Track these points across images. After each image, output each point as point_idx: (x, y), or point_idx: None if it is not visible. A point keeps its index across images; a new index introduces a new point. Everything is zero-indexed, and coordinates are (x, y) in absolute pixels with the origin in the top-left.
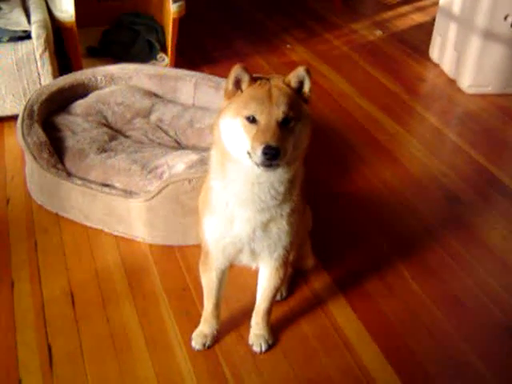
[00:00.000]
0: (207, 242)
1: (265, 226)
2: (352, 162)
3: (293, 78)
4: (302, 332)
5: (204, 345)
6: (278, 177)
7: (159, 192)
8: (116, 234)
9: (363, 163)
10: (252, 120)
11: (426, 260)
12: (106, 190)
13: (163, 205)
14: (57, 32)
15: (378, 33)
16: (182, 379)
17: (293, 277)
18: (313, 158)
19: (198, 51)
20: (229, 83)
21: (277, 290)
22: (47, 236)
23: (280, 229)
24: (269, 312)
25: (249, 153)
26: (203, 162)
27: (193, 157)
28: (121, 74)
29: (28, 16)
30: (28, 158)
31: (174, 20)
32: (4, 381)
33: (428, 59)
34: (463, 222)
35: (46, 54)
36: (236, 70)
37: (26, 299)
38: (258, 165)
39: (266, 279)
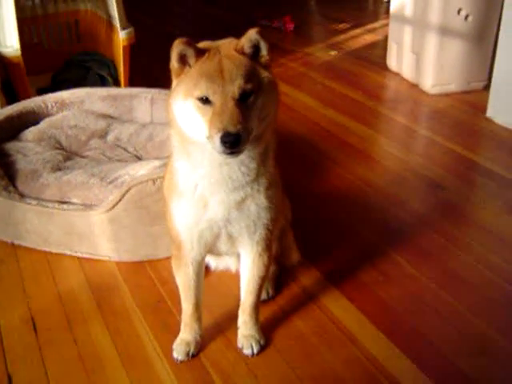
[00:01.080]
0: (178, 231)
1: (240, 205)
2: (325, 165)
3: (246, 42)
4: (297, 329)
5: (187, 354)
6: (247, 154)
7: (121, 198)
8: (79, 255)
9: (337, 165)
10: (205, 101)
11: (420, 244)
12: (64, 206)
13: (127, 212)
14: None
15: (333, 53)
16: None
17: (279, 275)
18: (285, 164)
19: (148, 78)
20: (173, 60)
21: (262, 280)
22: (3, 265)
23: (258, 205)
24: (256, 308)
25: (208, 137)
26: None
27: (156, 163)
28: (72, 99)
29: None
30: None
31: (125, 48)
32: None
33: (386, 69)
34: (452, 207)
35: None
36: (178, 46)
37: None
38: (219, 152)
39: (249, 268)
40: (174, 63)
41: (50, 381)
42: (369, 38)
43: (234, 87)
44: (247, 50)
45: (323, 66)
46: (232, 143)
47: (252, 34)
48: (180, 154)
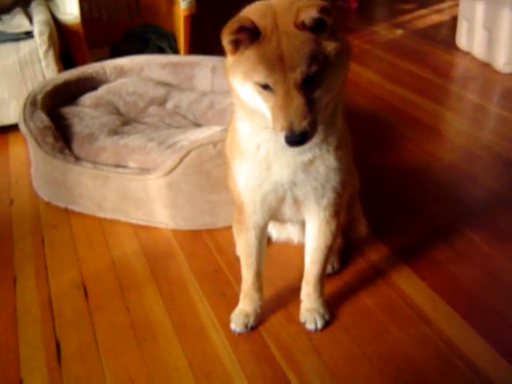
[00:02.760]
0: (241, 194)
1: (308, 167)
2: (394, 139)
3: (306, 19)
4: (364, 305)
5: (246, 326)
6: None
7: (180, 161)
8: (134, 222)
9: (406, 140)
10: (266, 86)
11: (496, 223)
12: (120, 170)
13: (186, 177)
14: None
15: (399, 31)
16: (222, 365)
17: (344, 248)
18: (352, 138)
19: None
20: (225, 43)
21: (329, 249)
22: (56, 231)
23: (328, 166)
24: (321, 280)
25: (271, 128)
26: None
27: (216, 128)
28: (131, 66)
29: (31, 20)
30: (31, 146)
31: (186, 18)
32: (2, 382)
33: (456, 48)
34: None
35: (51, 52)
36: (228, 35)
37: (29, 294)
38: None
39: (315, 236)
40: (226, 46)
41: (99, 348)
42: (436, 18)
43: (297, 74)
44: (309, 23)
45: (389, 44)
46: (298, 142)
47: (312, 12)
48: (242, 115)
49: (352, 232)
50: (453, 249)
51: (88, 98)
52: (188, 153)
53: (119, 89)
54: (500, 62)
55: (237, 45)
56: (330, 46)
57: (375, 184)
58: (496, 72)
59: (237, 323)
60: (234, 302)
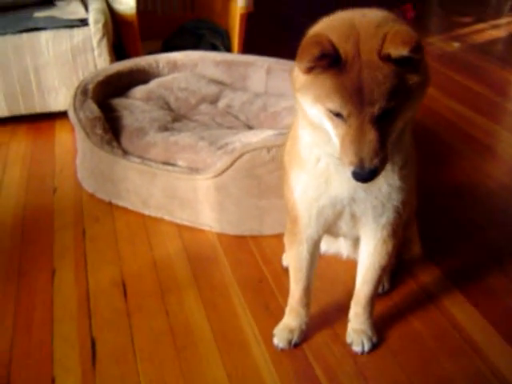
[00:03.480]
0: (296, 205)
1: (370, 184)
2: (449, 156)
3: (393, 51)
4: (414, 330)
5: (290, 342)
6: None
7: (231, 164)
8: (178, 221)
9: (461, 158)
10: (338, 114)
11: None
12: (169, 167)
13: (236, 181)
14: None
15: (456, 45)
16: (262, 381)
17: (395, 269)
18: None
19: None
20: (303, 63)
21: (383, 270)
22: (98, 224)
23: (391, 185)
24: (372, 300)
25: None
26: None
27: (270, 132)
28: (185, 61)
29: (86, 8)
30: (79, 135)
31: (242, 16)
32: (34, 379)
33: None
34: None
35: (104, 41)
36: (310, 60)
37: (67, 289)
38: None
39: (370, 255)
40: (304, 65)
41: (135, 351)
42: (494, 34)
43: (374, 109)
44: (394, 54)
45: (445, 57)
46: (366, 180)
47: (402, 50)
48: (304, 125)
49: (405, 252)
50: (509, 278)
51: (139, 91)
52: (240, 156)
53: (171, 84)
54: None
55: (314, 63)
56: (413, 80)
57: (428, 203)
58: None
59: (280, 338)
60: (277, 315)
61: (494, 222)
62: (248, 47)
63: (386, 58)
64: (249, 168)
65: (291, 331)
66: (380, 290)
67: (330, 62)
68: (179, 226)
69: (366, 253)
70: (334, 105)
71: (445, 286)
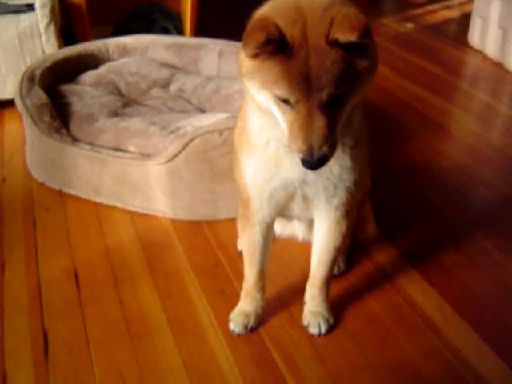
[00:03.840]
0: (247, 188)
1: None
2: (402, 136)
3: (340, 36)
4: (370, 311)
5: (246, 326)
6: None
7: (183, 148)
8: (131, 209)
9: (415, 137)
10: (286, 101)
11: (509, 230)
12: (119, 153)
13: (188, 165)
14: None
15: (410, 25)
16: (219, 368)
17: (351, 248)
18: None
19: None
20: (248, 49)
21: (337, 251)
22: (49, 214)
23: (342, 166)
24: (327, 282)
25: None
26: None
27: (222, 115)
28: (135, 45)
29: None
30: (27, 123)
31: None
32: None
33: (467, 46)
34: None
35: (52, 27)
36: (255, 46)
37: (18, 281)
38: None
39: (324, 236)
40: (250, 51)
41: (89, 342)
42: (446, 14)
43: (323, 95)
44: (343, 39)
45: (399, 38)
46: (315, 167)
47: (350, 36)
48: (253, 106)
49: (360, 232)
50: (463, 255)
51: (88, 77)
52: (192, 140)
53: (121, 68)
54: None
55: (259, 50)
56: (361, 65)
57: (382, 182)
58: (509, 72)
59: (236, 323)
60: (233, 300)
61: (448, 200)
62: (200, 30)
63: (334, 43)
64: (201, 152)
65: (247, 316)
66: (336, 271)
67: (276, 47)
68: (132, 213)
69: (320, 234)
70: (281, 91)
71: (400, 265)
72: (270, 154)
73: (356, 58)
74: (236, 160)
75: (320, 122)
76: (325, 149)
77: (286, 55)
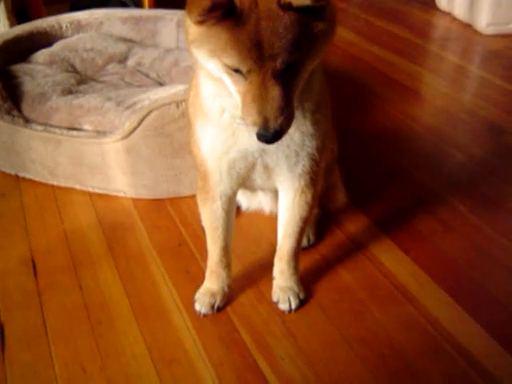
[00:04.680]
0: (205, 160)
1: None
2: (372, 101)
3: (295, 2)
4: (343, 283)
5: (212, 306)
6: None
7: (139, 123)
8: (90, 190)
9: (384, 102)
10: (236, 70)
11: (484, 192)
12: (73, 133)
13: (146, 141)
14: None
15: None
16: (185, 352)
17: (321, 219)
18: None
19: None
20: (193, 15)
21: (304, 222)
22: (4, 200)
23: (303, 132)
24: (295, 255)
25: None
26: None
27: (181, 87)
28: (90, 20)
29: None
30: None
31: None
32: None
33: (435, 8)
34: None
35: (2, 6)
36: (200, 13)
37: None
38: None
39: (289, 207)
40: (192, 18)
41: (48, 332)
42: None
43: (276, 63)
44: (296, 5)
45: (365, 3)
46: (271, 141)
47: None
48: (204, 74)
49: (329, 201)
50: (437, 220)
51: (41, 55)
52: (148, 113)
53: (76, 45)
54: (482, 23)
55: (206, 14)
56: (317, 28)
57: (352, 149)
58: (477, 33)
59: (202, 304)
60: (199, 279)
61: (419, 164)
62: (160, 2)
63: (287, 7)
64: (158, 126)
65: (213, 295)
66: (305, 243)
67: (223, 12)
68: (91, 195)
69: (285, 205)
70: (231, 60)
71: (373, 234)
72: (225, 124)
73: (311, 22)
74: (191, 130)
75: (275, 92)
76: (281, 120)
77: (234, 21)
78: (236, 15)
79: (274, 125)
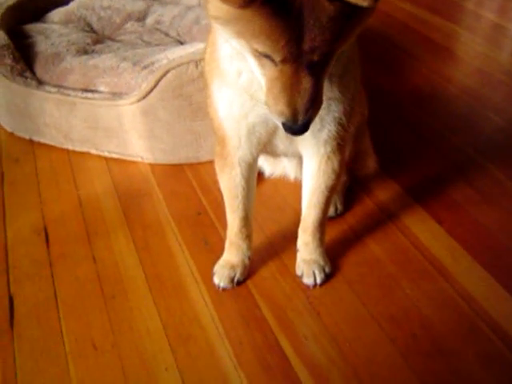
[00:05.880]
0: (222, 123)
1: None
2: (405, 61)
3: None
4: (372, 255)
5: (232, 280)
6: None
7: (156, 84)
8: (106, 154)
9: (419, 62)
10: (267, 55)
11: None
12: (88, 94)
13: (164, 103)
14: None
15: None
16: (202, 329)
17: (349, 186)
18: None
19: None
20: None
21: (330, 191)
22: (18, 166)
23: (329, 97)
24: (322, 226)
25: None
26: None
27: (201, 45)
28: None
29: None
30: None
31: None
32: None
33: None
34: None
35: None
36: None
37: None
38: None
39: (314, 175)
40: (230, 2)
41: (59, 306)
42: None
43: (314, 56)
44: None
45: None
46: (299, 132)
47: None
48: (224, 38)
49: (358, 168)
50: (474, 188)
51: (57, 14)
52: (165, 73)
53: (93, 3)
54: None
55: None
56: (361, 19)
57: (384, 112)
58: None
59: (221, 277)
60: (218, 250)
61: (456, 128)
62: None
63: None
64: (176, 86)
65: (233, 268)
66: (332, 212)
67: None
68: (108, 160)
69: (310, 172)
70: (264, 47)
71: (405, 203)
72: (243, 86)
73: (357, 13)
74: (207, 90)
75: (307, 83)
76: (310, 113)
77: (274, 7)
78: (276, 1)
79: (303, 117)
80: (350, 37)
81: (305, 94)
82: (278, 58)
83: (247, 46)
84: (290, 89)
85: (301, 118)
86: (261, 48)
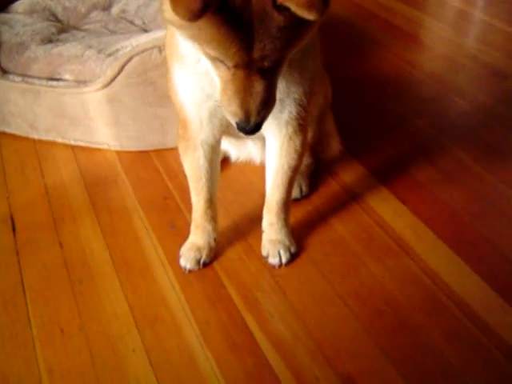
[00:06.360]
0: (183, 106)
1: None
2: (369, 47)
3: (294, 5)
4: (337, 235)
5: (198, 262)
6: None
7: (120, 70)
8: (72, 143)
9: (382, 48)
10: (220, 60)
11: (486, 139)
12: (53, 83)
13: (129, 89)
14: None
15: None
16: (169, 310)
17: (314, 168)
18: (324, 46)
19: None
20: (181, 15)
21: (293, 171)
22: None
23: (287, 80)
24: (285, 206)
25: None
26: None
27: (164, 33)
28: None
29: None
30: None
31: None
32: None
33: None
34: None
35: None
36: (192, 12)
37: None
38: None
39: (277, 156)
40: (179, 15)
41: (25, 292)
42: None
43: (264, 62)
44: (294, 12)
45: None
46: (251, 132)
47: (308, 10)
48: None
49: (323, 150)
50: (437, 168)
51: (21, 4)
52: (129, 59)
53: None
54: None
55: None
56: (311, 26)
57: (350, 96)
58: None
59: (187, 259)
60: (185, 234)
61: (420, 111)
62: None
63: (283, 8)
64: (140, 72)
65: (199, 249)
66: (298, 194)
67: (214, 10)
68: (74, 148)
69: (273, 153)
70: (216, 53)
71: (369, 184)
72: (202, 71)
73: (305, 23)
74: (168, 73)
75: (259, 86)
76: (263, 114)
77: (224, 17)
78: (226, 12)
79: (255, 118)
80: (299, 44)
81: (257, 96)
82: (229, 64)
83: (201, 49)
84: (243, 91)
85: (253, 120)
86: (214, 54)
